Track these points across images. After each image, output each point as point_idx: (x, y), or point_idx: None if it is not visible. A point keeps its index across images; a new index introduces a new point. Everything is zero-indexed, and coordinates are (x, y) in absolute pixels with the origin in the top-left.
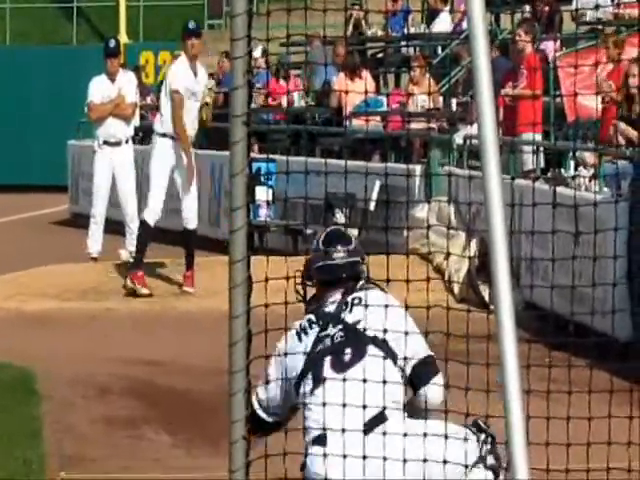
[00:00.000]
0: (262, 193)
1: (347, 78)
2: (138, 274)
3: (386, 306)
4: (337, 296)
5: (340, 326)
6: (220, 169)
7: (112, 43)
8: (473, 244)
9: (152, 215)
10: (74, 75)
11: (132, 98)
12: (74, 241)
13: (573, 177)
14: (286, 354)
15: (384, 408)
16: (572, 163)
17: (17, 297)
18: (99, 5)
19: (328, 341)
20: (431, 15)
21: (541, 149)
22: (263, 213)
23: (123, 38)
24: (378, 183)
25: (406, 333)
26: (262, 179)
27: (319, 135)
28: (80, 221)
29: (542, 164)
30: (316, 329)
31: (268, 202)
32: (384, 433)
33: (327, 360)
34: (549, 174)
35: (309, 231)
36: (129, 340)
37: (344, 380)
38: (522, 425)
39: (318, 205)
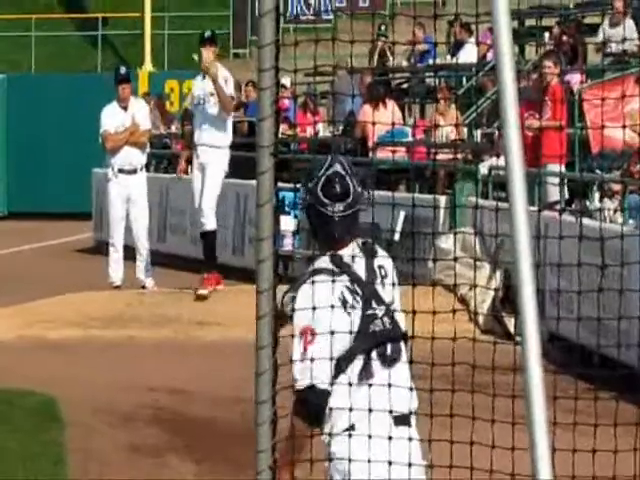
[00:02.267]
0: (287, 223)
1: (372, 108)
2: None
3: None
4: (356, 250)
5: (383, 308)
6: (245, 198)
7: (123, 70)
8: (498, 275)
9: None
10: (97, 102)
11: (146, 125)
12: (98, 269)
13: (600, 210)
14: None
15: (410, 413)
16: (597, 195)
17: (41, 324)
18: (124, 34)
19: (379, 324)
20: (456, 46)
21: (565, 180)
22: (288, 243)
23: (148, 67)
24: (403, 214)
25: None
26: (286, 209)
27: None
28: (104, 249)
29: (566, 196)
30: (360, 302)
31: (293, 232)
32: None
33: (375, 350)
34: (573, 206)
35: None
36: (153, 368)
37: (384, 376)
38: (548, 457)
39: None
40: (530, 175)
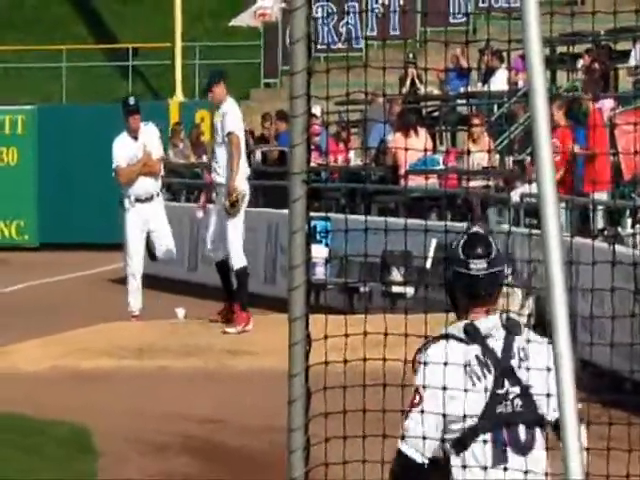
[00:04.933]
0: (318, 251)
1: (403, 136)
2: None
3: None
4: (497, 323)
5: (518, 389)
6: (276, 227)
7: (132, 100)
8: (530, 302)
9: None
10: None
11: (158, 153)
12: None
13: (633, 235)
14: (444, 388)
15: None
16: (629, 221)
17: (74, 355)
18: (155, 64)
19: (509, 406)
20: (487, 73)
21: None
22: (320, 271)
23: (179, 96)
24: (435, 241)
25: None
26: (318, 237)
27: (375, 193)
28: None
29: (601, 222)
30: (490, 378)
31: (325, 260)
32: None
33: (505, 432)
34: (606, 232)
35: (365, 289)
36: (184, 398)
37: (519, 463)
38: None
39: (374, 263)
40: (565, 201)
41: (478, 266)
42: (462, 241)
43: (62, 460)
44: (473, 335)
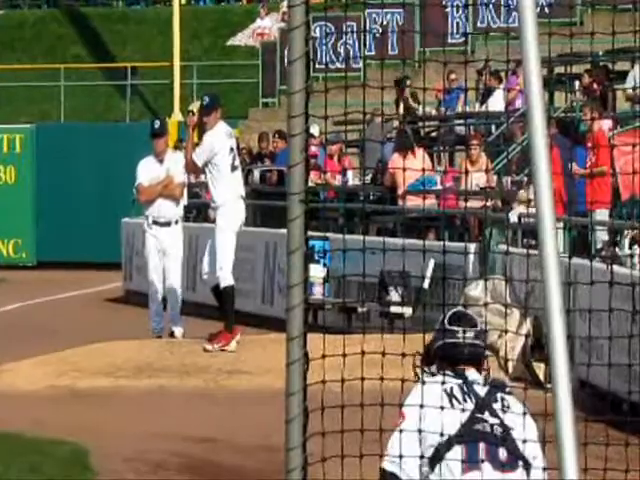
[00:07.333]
0: (316, 271)
1: (401, 156)
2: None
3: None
4: (476, 376)
5: (497, 420)
6: (274, 247)
7: (157, 124)
8: (527, 322)
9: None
10: (126, 152)
11: (180, 178)
12: (128, 318)
13: (631, 255)
14: (442, 408)
15: None
16: (627, 241)
17: (71, 374)
18: (153, 83)
19: (487, 427)
20: (485, 93)
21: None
22: (318, 291)
23: (177, 116)
24: (432, 261)
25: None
26: (316, 257)
27: (373, 213)
28: (134, 298)
29: (600, 242)
30: (470, 404)
31: (323, 280)
32: None
33: (482, 446)
34: (603, 252)
35: (363, 309)
36: (182, 417)
37: (497, 475)
38: None
39: (372, 283)
40: (563, 221)
41: (467, 334)
42: (448, 315)
43: (60, 479)
44: (460, 375)
